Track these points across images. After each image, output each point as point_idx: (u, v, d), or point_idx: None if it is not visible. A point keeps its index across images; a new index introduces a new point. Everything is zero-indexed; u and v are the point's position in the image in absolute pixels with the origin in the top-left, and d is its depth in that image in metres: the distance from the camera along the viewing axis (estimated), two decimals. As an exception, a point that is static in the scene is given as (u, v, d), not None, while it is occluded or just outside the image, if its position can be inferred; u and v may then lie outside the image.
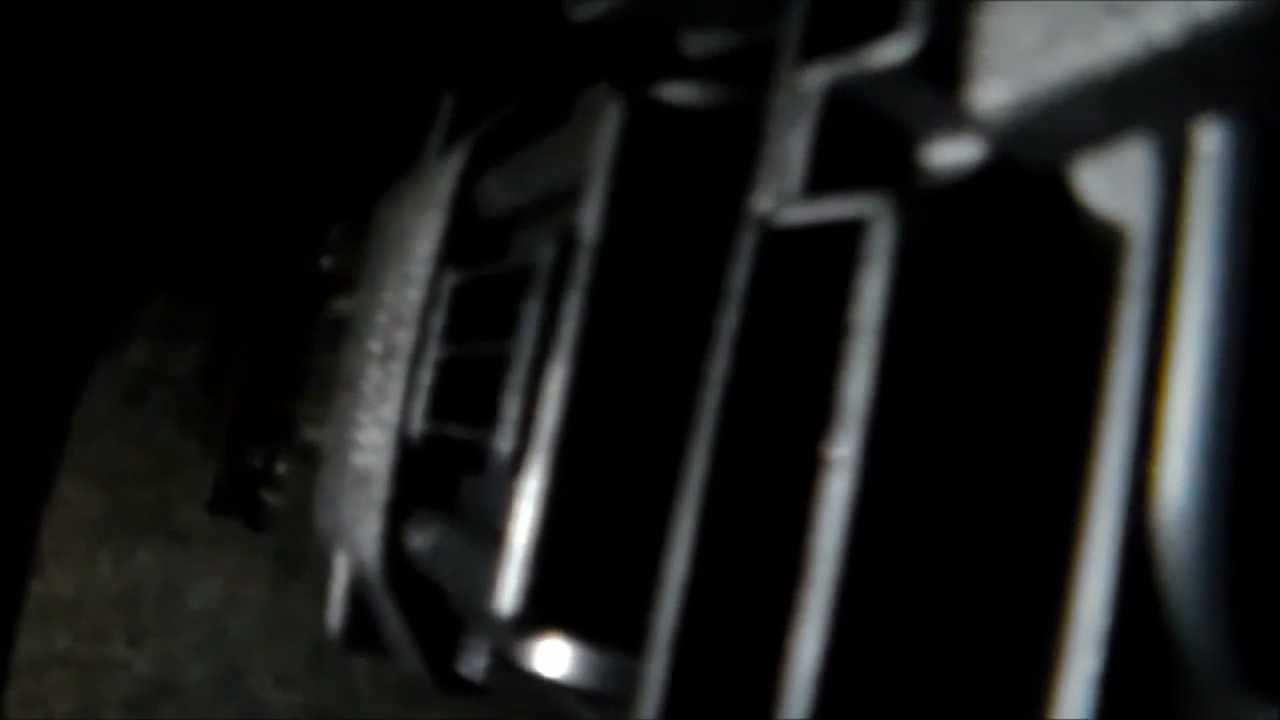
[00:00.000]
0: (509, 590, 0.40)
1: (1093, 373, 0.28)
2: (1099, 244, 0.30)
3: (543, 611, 0.40)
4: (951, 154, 0.33)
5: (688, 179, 0.41)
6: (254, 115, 1.00)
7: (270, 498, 0.92)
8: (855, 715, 0.30)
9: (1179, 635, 0.26)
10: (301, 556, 0.78)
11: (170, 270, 1.10)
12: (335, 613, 0.61)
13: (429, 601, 0.53)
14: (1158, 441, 0.26)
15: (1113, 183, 0.30)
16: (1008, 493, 0.30)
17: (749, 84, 0.41)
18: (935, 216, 0.31)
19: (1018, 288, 0.31)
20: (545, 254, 0.42)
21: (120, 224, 1.06)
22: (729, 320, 0.35)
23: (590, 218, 0.41)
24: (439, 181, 0.56)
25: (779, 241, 0.35)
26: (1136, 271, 0.28)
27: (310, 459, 0.74)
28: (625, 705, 0.38)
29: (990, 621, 0.30)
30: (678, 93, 0.43)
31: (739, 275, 0.35)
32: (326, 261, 0.86)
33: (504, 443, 0.42)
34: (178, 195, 1.05)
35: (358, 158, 0.83)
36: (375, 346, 0.59)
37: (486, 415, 0.45)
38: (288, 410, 0.86)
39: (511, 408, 0.42)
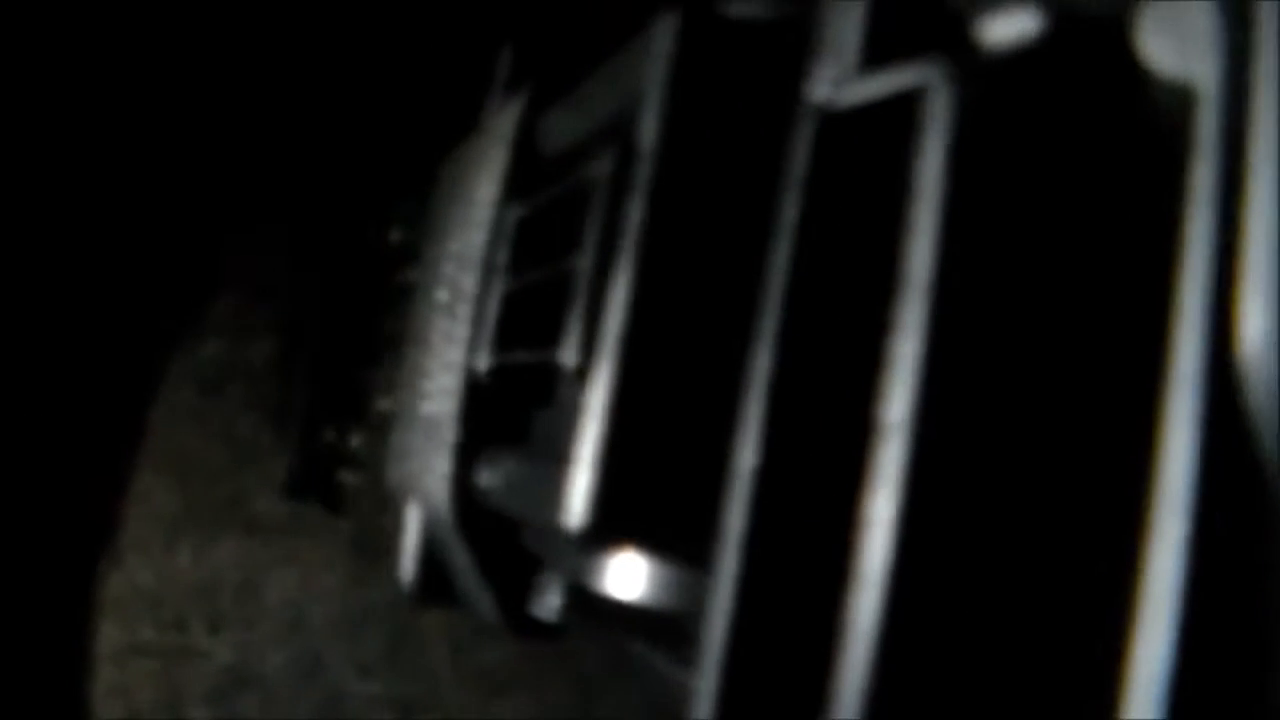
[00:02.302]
0: (577, 502, 0.40)
1: (1168, 231, 0.28)
2: (1166, 103, 0.29)
3: (613, 523, 0.40)
4: (1009, 27, 0.32)
5: (744, 87, 0.41)
6: (318, 88, 1.01)
7: (347, 477, 0.92)
8: (935, 599, 0.29)
9: (1268, 470, 0.25)
10: (380, 540, 0.78)
11: (242, 260, 1.11)
12: (407, 565, 0.61)
13: (501, 544, 0.53)
14: (1237, 291, 0.26)
15: (1177, 38, 0.29)
16: (1082, 352, 0.29)
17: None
18: (994, 81, 0.31)
19: (1084, 151, 0.30)
20: (604, 165, 0.42)
21: (187, 213, 1.07)
22: (790, 209, 0.34)
23: (648, 125, 0.40)
24: (500, 126, 0.57)
25: (836, 125, 0.34)
26: (1206, 128, 0.27)
27: (384, 429, 0.75)
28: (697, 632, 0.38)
29: (1072, 481, 0.29)
30: (732, 8, 0.43)
31: (798, 163, 0.35)
32: (394, 234, 0.86)
33: (569, 356, 0.42)
34: (242, 178, 1.06)
35: (422, 130, 0.84)
36: (442, 296, 0.59)
37: (553, 339, 0.44)
38: (360, 384, 0.86)
39: (576, 321, 0.42)
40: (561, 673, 1.09)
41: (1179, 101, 0.28)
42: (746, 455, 0.34)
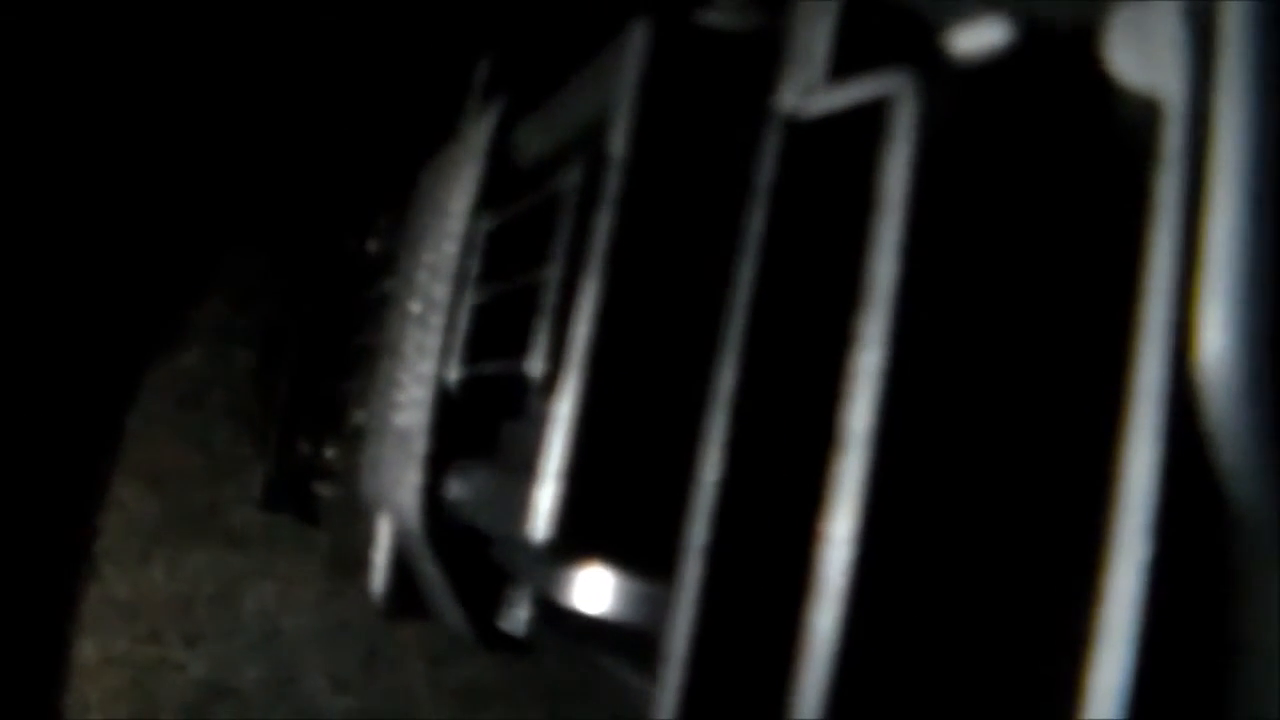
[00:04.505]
0: (543, 515, 0.39)
1: (1131, 243, 0.27)
2: (1132, 114, 0.29)
3: (579, 536, 0.39)
4: (978, 38, 0.32)
5: (715, 96, 0.41)
6: (299, 99, 1.00)
7: (322, 489, 0.91)
8: (894, 613, 0.29)
9: (1227, 482, 0.25)
10: (355, 553, 0.78)
11: (221, 267, 1.11)
12: (379, 578, 0.60)
13: (471, 557, 0.52)
14: (1197, 304, 0.25)
15: (1143, 51, 0.29)
16: (1046, 365, 0.29)
17: (775, 11, 0.40)
18: (961, 91, 0.30)
19: (1050, 162, 0.30)
20: (573, 175, 0.42)
21: (168, 221, 1.07)
22: (756, 220, 0.34)
23: (618, 135, 0.40)
24: (474, 136, 0.56)
25: (804, 134, 0.34)
26: (1170, 140, 0.27)
27: (359, 441, 0.74)
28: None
29: (1034, 495, 0.29)
30: (704, 17, 0.43)
31: (765, 172, 0.34)
32: (372, 245, 0.86)
33: (536, 367, 0.41)
34: (222, 188, 1.06)
35: (403, 141, 0.83)
36: (415, 307, 0.59)
37: (522, 350, 0.44)
38: (337, 395, 0.86)
39: (543, 331, 0.41)
40: (538, 685, 1.09)
41: (1145, 113, 0.28)
42: (710, 468, 0.34)
